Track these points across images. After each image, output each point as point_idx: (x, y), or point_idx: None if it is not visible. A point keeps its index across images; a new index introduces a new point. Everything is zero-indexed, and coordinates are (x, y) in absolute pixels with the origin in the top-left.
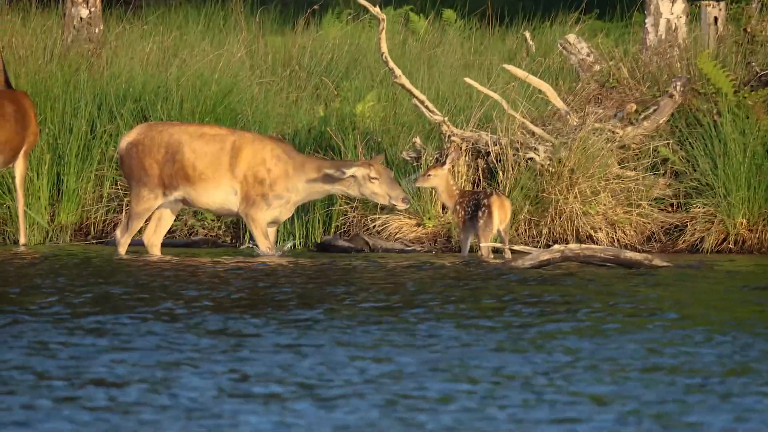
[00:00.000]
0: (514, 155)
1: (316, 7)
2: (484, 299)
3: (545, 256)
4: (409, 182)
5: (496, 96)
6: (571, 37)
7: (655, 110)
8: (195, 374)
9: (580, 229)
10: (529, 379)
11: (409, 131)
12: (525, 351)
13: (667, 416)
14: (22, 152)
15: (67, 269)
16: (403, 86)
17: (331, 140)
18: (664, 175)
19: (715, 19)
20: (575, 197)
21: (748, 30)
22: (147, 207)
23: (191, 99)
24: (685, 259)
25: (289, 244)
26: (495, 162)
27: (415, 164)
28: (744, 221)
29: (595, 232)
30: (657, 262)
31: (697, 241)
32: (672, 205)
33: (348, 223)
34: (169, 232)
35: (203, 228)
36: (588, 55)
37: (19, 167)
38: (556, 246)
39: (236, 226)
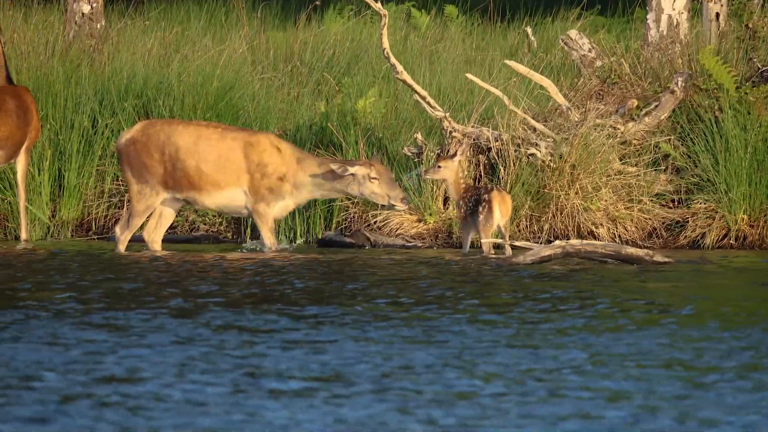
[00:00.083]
0: (515, 151)
1: (317, 2)
2: (496, 295)
3: (546, 251)
4: (410, 178)
5: (497, 92)
6: (573, 33)
7: (656, 106)
8: (207, 370)
9: (582, 225)
10: (543, 374)
11: (410, 127)
12: (538, 347)
13: (682, 412)
14: (23, 148)
15: (76, 265)
16: (404, 82)
17: (333, 136)
18: (665, 171)
19: (717, 15)
20: (576, 193)
21: (750, 26)
22: (148, 205)
23: (193, 95)
24: (687, 255)
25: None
26: (496, 158)
27: (416, 160)
28: (745, 217)
29: (597, 227)
30: (658, 258)
31: (698, 237)
32: (673, 201)
33: (349, 219)
34: (170, 227)
35: (204, 224)
36: (589, 51)
37: (20, 163)
38: (557, 242)
39: (237, 222)
